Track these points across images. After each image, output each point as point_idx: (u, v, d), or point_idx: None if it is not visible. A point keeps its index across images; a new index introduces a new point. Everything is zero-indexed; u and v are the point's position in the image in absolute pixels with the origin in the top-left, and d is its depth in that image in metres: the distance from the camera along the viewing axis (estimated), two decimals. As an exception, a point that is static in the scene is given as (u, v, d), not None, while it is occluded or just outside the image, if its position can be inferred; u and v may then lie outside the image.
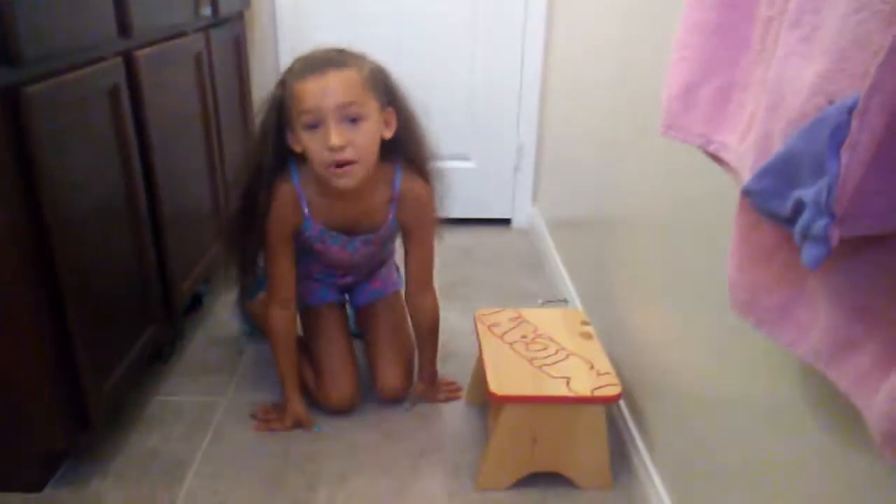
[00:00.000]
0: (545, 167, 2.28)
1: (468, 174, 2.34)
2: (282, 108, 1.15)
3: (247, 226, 1.26)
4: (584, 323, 1.43)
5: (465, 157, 2.33)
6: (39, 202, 1.03)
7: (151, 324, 1.42)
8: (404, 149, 1.23)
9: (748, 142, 0.63)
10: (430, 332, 1.44)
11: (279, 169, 1.21)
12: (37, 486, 1.22)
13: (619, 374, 1.26)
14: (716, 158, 0.71)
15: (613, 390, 1.21)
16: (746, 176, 0.61)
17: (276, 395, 1.49)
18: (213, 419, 1.42)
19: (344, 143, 1.09)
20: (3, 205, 0.99)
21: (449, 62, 2.22)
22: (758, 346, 0.83)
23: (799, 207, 0.50)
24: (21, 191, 1.00)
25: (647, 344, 1.24)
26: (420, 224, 1.29)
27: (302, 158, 1.17)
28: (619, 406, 1.36)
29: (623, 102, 1.43)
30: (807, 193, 0.49)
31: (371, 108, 1.12)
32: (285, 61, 2.17)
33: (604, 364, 1.28)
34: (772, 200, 0.54)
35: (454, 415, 1.46)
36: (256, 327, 1.64)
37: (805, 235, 0.50)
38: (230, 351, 1.66)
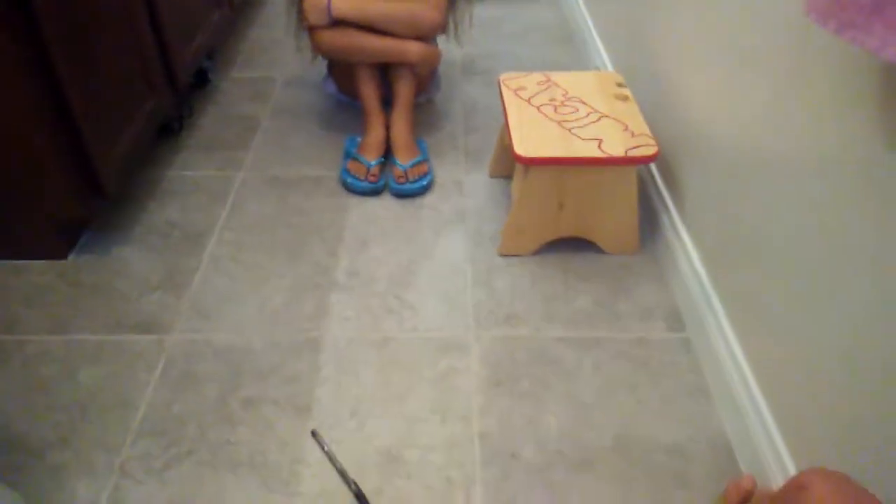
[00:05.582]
0: (580, -76, 2.00)
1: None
2: None
3: None
4: (620, 85, 1.31)
5: (489, -87, 2.05)
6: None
7: (154, 94, 1.34)
8: None
9: None
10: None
11: None
12: (61, 254, 1.22)
13: (655, 136, 1.17)
14: None
15: (649, 150, 1.12)
16: None
17: (291, 169, 1.45)
18: (230, 192, 1.39)
19: None
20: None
21: None
22: (800, 105, 0.73)
23: None
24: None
25: (687, 108, 1.13)
26: None
27: None
28: (649, 169, 1.28)
29: None
30: None
31: None
32: None
33: (639, 125, 1.18)
34: None
35: (477, 188, 1.41)
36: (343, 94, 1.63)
37: None
38: (243, 127, 1.59)
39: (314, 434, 0.94)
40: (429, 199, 1.37)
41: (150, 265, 1.21)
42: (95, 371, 1.03)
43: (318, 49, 1.42)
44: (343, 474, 0.89)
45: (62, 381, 1.01)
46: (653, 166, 1.28)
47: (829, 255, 0.72)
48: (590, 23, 1.85)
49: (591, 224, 1.21)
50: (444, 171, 1.45)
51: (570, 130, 1.17)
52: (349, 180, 1.38)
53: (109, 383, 1.01)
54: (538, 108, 1.24)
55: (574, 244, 1.24)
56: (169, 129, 1.51)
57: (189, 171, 1.45)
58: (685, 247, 1.11)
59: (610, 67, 1.64)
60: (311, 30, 1.39)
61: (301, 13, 1.39)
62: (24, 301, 1.14)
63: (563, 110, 1.23)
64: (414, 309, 1.13)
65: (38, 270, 1.20)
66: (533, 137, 1.15)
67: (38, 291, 1.16)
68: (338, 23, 1.35)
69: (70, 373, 1.02)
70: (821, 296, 0.74)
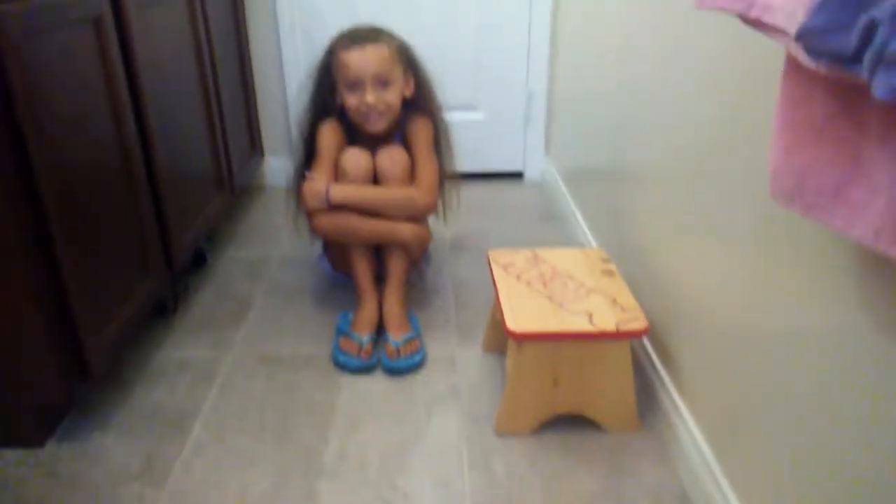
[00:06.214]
0: (557, 116, 2.19)
1: (476, 125, 2.25)
2: (329, 70, 1.48)
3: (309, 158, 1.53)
4: (605, 260, 1.35)
5: (472, 108, 2.24)
6: (25, 141, 0.97)
7: (151, 276, 1.37)
8: (418, 102, 1.53)
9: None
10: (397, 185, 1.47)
11: (327, 112, 1.52)
12: (38, 441, 1.17)
13: (644, 310, 1.19)
14: (758, 25, 0.63)
15: (639, 324, 1.13)
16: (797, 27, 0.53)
17: (283, 347, 1.44)
18: (219, 372, 1.37)
19: (377, 101, 1.43)
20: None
21: (458, 4, 2.12)
22: (790, 274, 0.76)
23: (870, 31, 0.43)
24: (4, 132, 0.94)
25: (672, 281, 1.16)
26: (417, 138, 1.51)
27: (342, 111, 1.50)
28: (643, 344, 1.29)
29: (638, 46, 1.35)
30: (882, 8, 0.41)
31: (396, 74, 1.45)
32: (282, 10, 2.10)
33: (628, 299, 1.21)
34: (833, 36, 0.46)
35: (470, 364, 1.39)
36: (339, 272, 1.67)
37: (879, 61, 0.42)
38: (237, 306, 1.60)
39: None
40: (421, 376, 1.36)
41: (130, 452, 1.16)
42: (58, 576, 0.94)
43: (315, 231, 1.48)
44: None
45: (20, 590, 0.92)
46: (645, 340, 1.28)
47: (832, 427, 0.70)
48: (571, 202, 1.96)
49: (587, 400, 1.18)
50: (437, 347, 1.44)
51: (560, 305, 1.19)
52: (342, 359, 1.37)
53: (72, 590, 0.92)
54: (528, 283, 1.27)
55: (572, 421, 1.20)
56: (163, 308, 1.52)
57: (179, 351, 1.43)
58: (686, 423, 1.08)
59: (594, 243, 1.70)
60: (310, 214, 1.46)
61: (300, 198, 1.47)
62: (-9, 495, 1.07)
63: (552, 285, 1.26)
64: (408, 497, 1.07)
65: (12, 460, 1.14)
66: (524, 312, 1.17)
67: (8, 484, 1.09)
68: (335, 207, 1.42)
69: (30, 579, 0.93)
70: (831, 470, 0.71)
